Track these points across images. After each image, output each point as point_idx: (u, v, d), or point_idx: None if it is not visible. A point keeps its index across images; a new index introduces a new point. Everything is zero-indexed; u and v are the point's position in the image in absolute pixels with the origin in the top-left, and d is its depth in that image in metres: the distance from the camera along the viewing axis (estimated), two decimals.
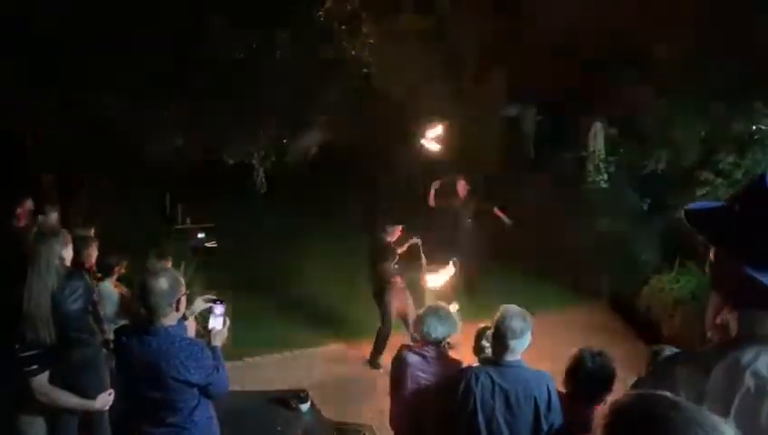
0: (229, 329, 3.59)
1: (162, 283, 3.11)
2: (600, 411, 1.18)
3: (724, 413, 1.37)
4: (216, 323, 3.51)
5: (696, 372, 1.44)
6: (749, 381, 1.37)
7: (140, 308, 3.22)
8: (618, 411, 1.14)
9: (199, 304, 3.65)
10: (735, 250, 1.45)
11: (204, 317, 3.80)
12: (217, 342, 3.46)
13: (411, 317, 6.57)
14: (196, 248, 10.06)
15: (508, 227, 9.27)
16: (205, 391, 3.23)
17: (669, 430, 1.06)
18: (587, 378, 3.37)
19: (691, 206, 1.59)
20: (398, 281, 7.15)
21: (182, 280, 3.27)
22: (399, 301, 7.15)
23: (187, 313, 3.57)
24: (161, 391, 3.11)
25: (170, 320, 3.16)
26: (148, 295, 3.10)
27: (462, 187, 9.08)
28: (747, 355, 1.40)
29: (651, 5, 8.82)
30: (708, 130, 8.22)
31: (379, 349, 7.16)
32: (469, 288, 8.94)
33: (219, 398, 3.39)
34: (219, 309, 3.54)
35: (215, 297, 3.67)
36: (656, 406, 1.11)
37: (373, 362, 7.20)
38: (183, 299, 3.23)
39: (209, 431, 3.34)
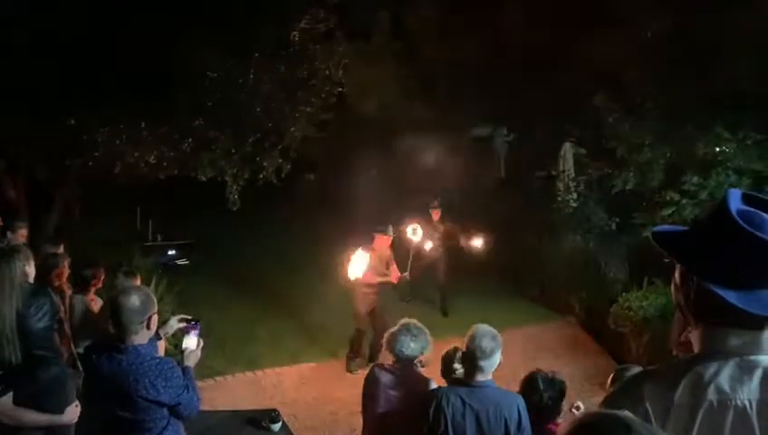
0: (202, 349, 3.55)
1: (134, 300, 3.06)
2: (560, 431, 1.21)
3: (689, 427, 1.42)
4: (190, 343, 3.46)
5: (662, 388, 1.47)
6: (712, 395, 1.42)
7: (111, 326, 3.16)
8: (574, 432, 1.16)
9: (174, 324, 3.60)
10: (701, 269, 1.50)
11: (176, 336, 3.75)
12: (190, 362, 3.41)
13: (379, 326, 7.00)
14: (166, 265, 9.96)
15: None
16: (174, 411, 3.17)
17: None
18: (534, 394, 3.48)
19: (659, 228, 1.64)
20: (366, 289, 7.32)
21: (154, 298, 3.22)
22: (367, 305, 7.38)
23: (161, 332, 3.52)
24: (130, 411, 3.06)
25: (141, 338, 3.10)
26: (118, 313, 3.04)
27: (435, 213, 9.45)
28: (710, 370, 1.45)
29: (621, 32, 9.04)
30: (674, 152, 8.43)
31: (352, 351, 7.54)
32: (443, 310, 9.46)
33: (189, 418, 3.33)
34: (194, 330, 3.49)
35: (190, 317, 3.62)
36: (609, 427, 1.14)
37: (348, 362, 7.56)
38: (154, 317, 3.17)
39: None
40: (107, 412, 3.16)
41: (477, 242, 9.41)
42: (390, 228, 7.52)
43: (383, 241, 7.45)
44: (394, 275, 7.48)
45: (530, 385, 3.57)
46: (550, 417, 3.49)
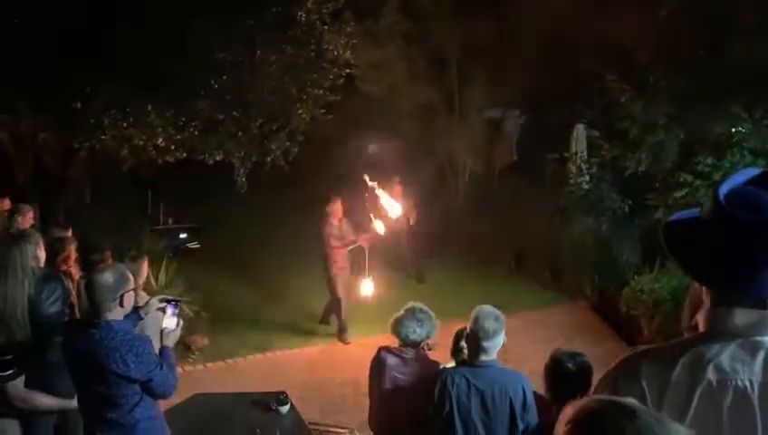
0: (183, 328, 3.59)
1: (106, 278, 3.12)
2: (561, 418, 1.17)
3: (686, 407, 1.38)
4: (169, 323, 3.50)
5: (660, 366, 1.44)
6: (711, 374, 1.38)
7: (86, 303, 3.22)
8: (576, 422, 1.13)
9: (155, 304, 3.63)
10: (701, 274, 1.49)
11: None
12: (169, 341, 3.45)
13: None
14: (177, 249, 10.00)
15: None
16: (147, 388, 3.19)
17: None
18: (567, 379, 3.33)
19: (669, 222, 1.60)
20: (341, 258, 7.64)
21: (130, 276, 3.25)
22: (345, 276, 7.71)
23: (142, 312, 3.55)
24: (102, 386, 3.10)
25: (115, 315, 3.15)
26: (92, 290, 3.10)
27: (397, 189, 9.50)
28: (711, 350, 1.41)
29: (634, 11, 8.89)
30: (688, 133, 8.31)
31: (340, 325, 7.89)
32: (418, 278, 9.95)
33: (164, 397, 3.35)
34: (172, 309, 3.53)
35: (170, 297, 3.67)
36: (613, 415, 1.10)
37: (340, 335, 7.90)
38: (128, 295, 3.21)
39: (151, 431, 3.28)
40: (82, 387, 3.23)
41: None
42: (338, 196, 7.72)
43: (338, 207, 7.62)
44: (364, 238, 7.56)
45: (556, 363, 3.42)
46: (579, 393, 3.38)
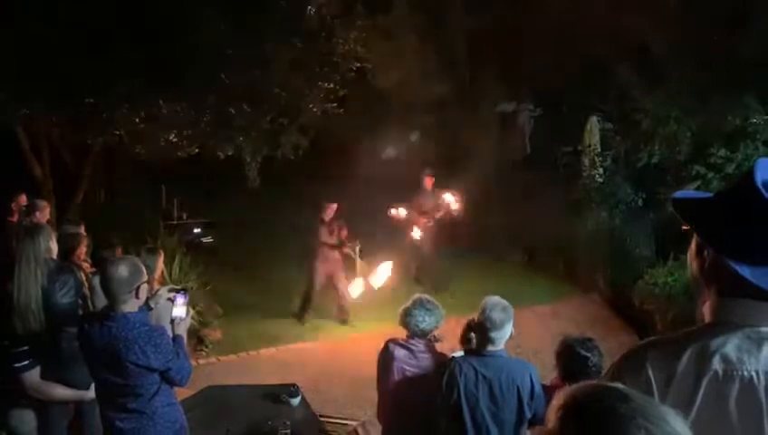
0: (193, 316, 3.64)
1: (122, 270, 3.14)
2: (553, 404, 1.17)
3: (692, 397, 1.38)
4: (179, 312, 3.54)
5: (666, 356, 1.44)
6: (717, 365, 1.38)
7: (99, 297, 3.26)
8: (568, 405, 1.13)
9: (164, 294, 3.67)
10: (716, 240, 1.46)
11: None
12: (181, 330, 3.51)
13: (341, 287, 8.06)
14: (191, 243, 10.08)
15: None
16: (165, 377, 3.26)
17: (615, 421, 1.05)
18: (579, 364, 3.35)
19: (679, 194, 1.59)
20: (326, 250, 8.05)
21: (143, 268, 3.29)
22: (328, 268, 8.10)
23: (151, 302, 3.59)
24: (121, 377, 3.14)
25: (130, 307, 3.18)
26: (107, 283, 3.13)
27: (429, 181, 9.47)
28: (717, 340, 1.41)
29: (648, 2, 8.82)
30: (701, 124, 8.23)
31: (303, 307, 8.25)
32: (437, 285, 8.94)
33: (181, 384, 3.41)
34: (181, 299, 3.57)
35: (178, 287, 3.73)
36: (604, 398, 1.10)
37: (299, 316, 8.27)
38: (143, 287, 3.25)
39: (170, 417, 3.34)
40: (100, 379, 3.26)
41: (449, 199, 9.23)
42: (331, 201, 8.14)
43: (330, 209, 8.10)
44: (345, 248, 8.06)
45: (567, 348, 3.43)
46: (590, 379, 3.36)
